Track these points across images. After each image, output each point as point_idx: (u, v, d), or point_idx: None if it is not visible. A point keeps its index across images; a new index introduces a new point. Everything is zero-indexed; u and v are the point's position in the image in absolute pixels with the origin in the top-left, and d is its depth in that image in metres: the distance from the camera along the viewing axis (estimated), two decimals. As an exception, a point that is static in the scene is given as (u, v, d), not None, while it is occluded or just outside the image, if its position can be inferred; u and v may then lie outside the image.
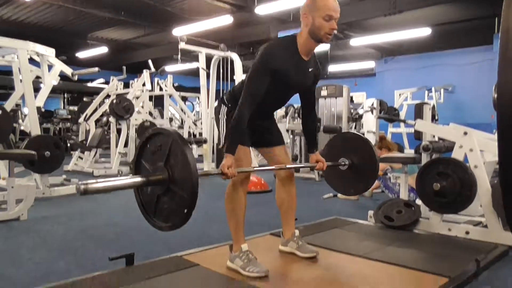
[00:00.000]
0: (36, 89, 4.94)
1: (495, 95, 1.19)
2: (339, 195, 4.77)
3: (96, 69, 5.66)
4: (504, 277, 2.21)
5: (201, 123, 7.81)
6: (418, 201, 3.24)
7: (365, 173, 2.52)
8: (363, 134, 9.08)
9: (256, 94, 1.99)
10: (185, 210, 1.57)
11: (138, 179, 1.65)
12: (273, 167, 2.28)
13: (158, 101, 9.71)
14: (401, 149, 5.95)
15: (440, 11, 8.05)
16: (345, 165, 2.53)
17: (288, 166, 2.30)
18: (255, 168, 2.09)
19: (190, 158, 1.55)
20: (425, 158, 3.34)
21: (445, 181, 2.83)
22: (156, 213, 1.71)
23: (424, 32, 8.44)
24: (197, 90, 8.54)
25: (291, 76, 2.08)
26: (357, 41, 9.42)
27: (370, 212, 3.33)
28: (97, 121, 7.81)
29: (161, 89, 8.68)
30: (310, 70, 2.16)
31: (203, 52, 6.85)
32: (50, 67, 5.15)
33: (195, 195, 1.55)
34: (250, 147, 2.24)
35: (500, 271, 2.30)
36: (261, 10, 7.35)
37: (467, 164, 2.83)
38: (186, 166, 1.56)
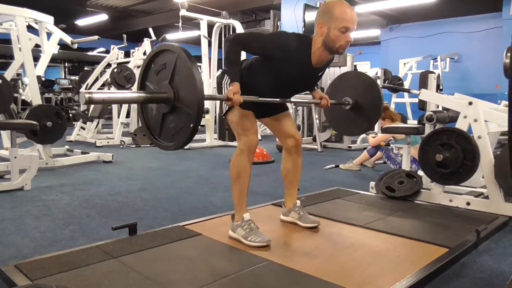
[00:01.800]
0: (36, 58, 4.88)
1: (507, 60, 1.14)
2: (340, 165, 4.78)
3: (96, 37, 5.57)
4: (504, 247, 2.23)
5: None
6: (420, 172, 3.24)
7: (369, 112, 2.47)
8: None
9: (244, 47, 1.99)
10: (191, 125, 1.56)
11: (142, 94, 1.63)
12: (278, 99, 2.17)
13: (159, 70, 9.60)
14: (404, 119, 5.91)
15: (448, -24, 7.80)
16: (348, 104, 2.49)
17: (293, 99, 2.26)
18: (261, 99, 2.04)
19: (195, 73, 1.53)
20: (428, 129, 3.32)
21: (448, 152, 2.81)
22: (162, 133, 1.70)
23: (431, -2, 8.22)
24: (199, 59, 8.41)
25: (293, 73, 2.03)
26: (363, 8, 9.19)
27: (372, 183, 3.34)
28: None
29: (162, 58, 8.55)
30: (319, 74, 2.12)
31: (204, 19, 6.71)
32: (49, 35, 5.07)
33: (201, 110, 1.54)
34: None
35: (500, 241, 2.32)
36: (264, -25, 7.13)
37: (470, 135, 2.81)
38: (191, 82, 1.53)
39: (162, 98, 1.62)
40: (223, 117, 2.23)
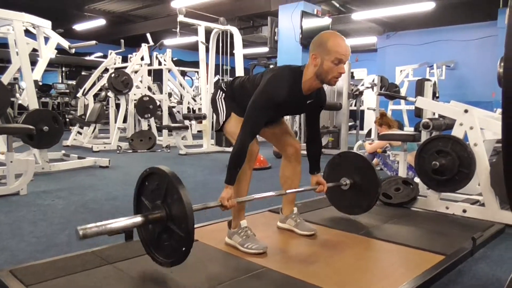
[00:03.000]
0: (33, 62, 4.87)
1: (501, 70, 1.15)
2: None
3: (94, 42, 5.57)
4: (500, 254, 2.24)
5: (201, 99, 7.76)
6: (417, 179, 3.25)
7: (367, 191, 2.53)
8: (363, 111, 9.06)
9: (258, 129, 2.01)
10: (183, 249, 1.60)
11: (138, 219, 1.66)
12: (272, 193, 2.19)
13: (157, 76, 9.62)
14: (400, 126, 5.94)
15: (444, -15, 7.88)
16: (346, 184, 2.55)
17: (288, 191, 2.28)
18: (255, 196, 2.08)
19: (185, 199, 1.57)
20: (424, 136, 3.33)
21: (444, 159, 2.82)
22: (158, 249, 1.73)
23: (428, 6, 8.28)
24: (196, 64, 8.44)
25: (286, 106, 2.06)
26: (359, 15, 9.25)
27: (369, 189, 3.34)
28: (95, 96, 7.75)
29: (160, 63, 8.58)
30: (308, 102, 2.13)
31: (202, 25, 6.73)
32: (46, 39, 5.07)
33: (192, 234, 1.58)
34: None
35: (496, 248, 2.32)
36: (261, -18, 7.17)
37: (466, 142, 2.83)
38: (181, 207, 1.57)
39: (156, 218, 1.65)
40: (220, 131, 2.26)
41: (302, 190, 2.37)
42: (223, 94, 2.22)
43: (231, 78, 2.29)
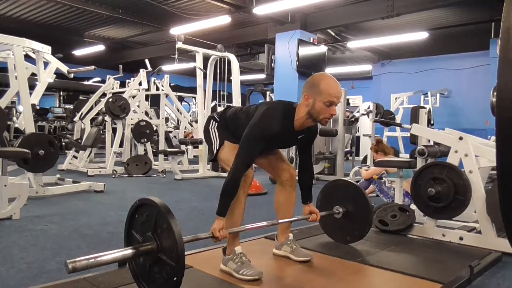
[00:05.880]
0: (32, 87, 4.90)
1: (494, 99, 1.17)
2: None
3: (92, 67, 5.63)
4: (497, 283, 2.21)
5: (197, 124, 7.79)
6: (413, 206, 3.24)
7: (360, 220, 2.55)
8: (359, 137, 9.12)
9: (251, 160, 2.04)
10: (175, 278, 1.58)
11: (128, 251, 1.65)
12: (264, 223, 2.17)
13: (154, 101, 9.69)
14: (396, 153, 5.97)
15: (437, 15, 8.09)
16: (339, 213, 2.57)
17: (280, 221, 2.27)
18: (247, 227, 2.08)
19: (175, 228, 1.56)
20: (420, 163, 3.35)
21: (440, 186, 2.83)
22: (150, 283, 1.71)
23: (421, 36, 8.49)
24: (193, 90, 8.52)
25: (278, 140, 2.10)
26: (354, 44, 9.45)
27: (365, 216, 3.33)
28: (92, 120, 7.77)
29: (157, 88, 8.66)
30: (299, 137, 2.17)
31: (200, 52, 6.84)
32: (46, 64, 5.12)
33: (183, 263, 1.57)
34: None
35: (493, 277, 2.30)
36: (259, 10, 7.34)
37: (462, 169, 2.84)
38: (171, 237, 1.57)
39: (147, 250, 1.65)
40: (213, 161, 2.28)
41: (295, 219, 2.36)
42: (216, 124, 2.25)
43: (222, 108, 2.33)
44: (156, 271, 1.67)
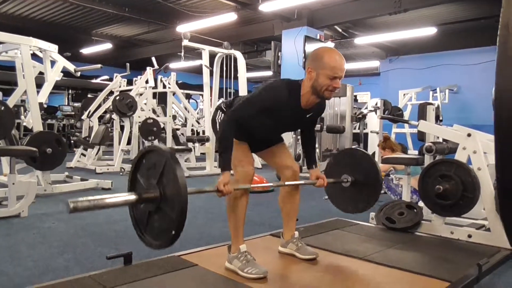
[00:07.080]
0: (40, 85, 4.94)
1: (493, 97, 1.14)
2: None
3: (99, 65, 5.66)
4: (507, 282, 2.18)
5: (204, 121, 7.80)
6: (421, 203, 3.21)
7: (367, 192, 2.50)
8: (367, 134, 9.07)
9: (240, 120, 2.01)
10: (173, 232, 1.56)
11: (131, 197, 1.64)
12: (271, 184, 2.21)
13: (161, 99, 9.71)
14: (404, 150, 5.91)
15: (445, 10, 7.99)
16: (347, 182, 2.51)
17: (286, 183, 2.26)
18: (254, 185, 2.08)
19: (181, 180, 1.54)
20: (428, 160, 3.31)
21: (448, 183, 2.79)
22: (147, 229, 1.69)
23: (430, 31, 8.39)
24: (200, 87, 8.52)
25: (285, 118, 2.08)
26: (362, 40, 9.38)
27: (372, 214, 3.31)
28: (100, 118, 7.81)
29: (164, 86, 8.67)
30: (308, 116, 2.15)
31: (206, 49, 6.83)
32: (53, 63, 5.15)
33: (183, 217, 1.54)
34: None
35: (503, 275, 2.27)
36: (265, 7, 7.31)
37: (470, 166, 2.80)
38: (176, 188, 1.55)
39: (149, 198, 1.63)
40: (218, 152, 2.27)
41: (302, 183, 2.33)
42: (223, 115, 2.22)
43: (230, 98, 2.31)
44: (156, 219, 1.64)
